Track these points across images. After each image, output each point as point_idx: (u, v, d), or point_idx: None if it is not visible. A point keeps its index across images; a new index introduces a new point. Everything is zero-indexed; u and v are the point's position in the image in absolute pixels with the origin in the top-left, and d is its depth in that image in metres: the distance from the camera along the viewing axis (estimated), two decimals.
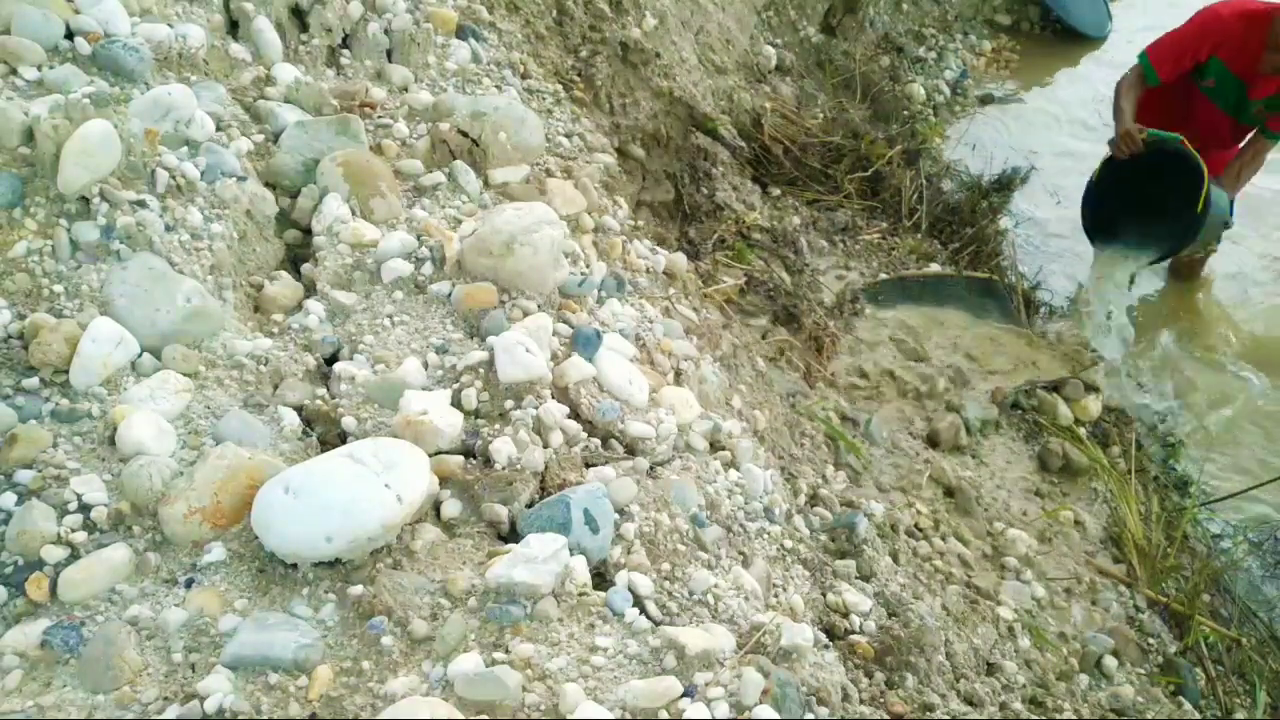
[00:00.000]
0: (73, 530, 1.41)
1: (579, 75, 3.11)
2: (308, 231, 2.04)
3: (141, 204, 1.73)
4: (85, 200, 1.68)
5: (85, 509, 1.43)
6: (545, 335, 1.84)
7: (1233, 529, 3.24)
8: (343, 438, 1.65)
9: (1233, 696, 2.63)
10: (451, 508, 1.58)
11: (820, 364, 3.24)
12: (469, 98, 2.42)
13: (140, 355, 1.63)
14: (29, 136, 1.67)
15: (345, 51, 2.49)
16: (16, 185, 1.65)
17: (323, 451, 1.59)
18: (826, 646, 1.75)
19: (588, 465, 1.71)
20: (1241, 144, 3.84)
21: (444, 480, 1.60)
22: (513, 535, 1.57)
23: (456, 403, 1.71)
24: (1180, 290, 4.40)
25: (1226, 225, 3.79)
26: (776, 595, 1.82)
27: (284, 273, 1.97)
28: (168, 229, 1.75)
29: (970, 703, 2.10)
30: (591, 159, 2.58)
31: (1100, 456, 3.22)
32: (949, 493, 2.87)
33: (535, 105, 2.60)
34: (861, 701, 1.86)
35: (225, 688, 1.26)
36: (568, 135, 2.58)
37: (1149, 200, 3.68)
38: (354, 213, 2.03)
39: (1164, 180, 3.59)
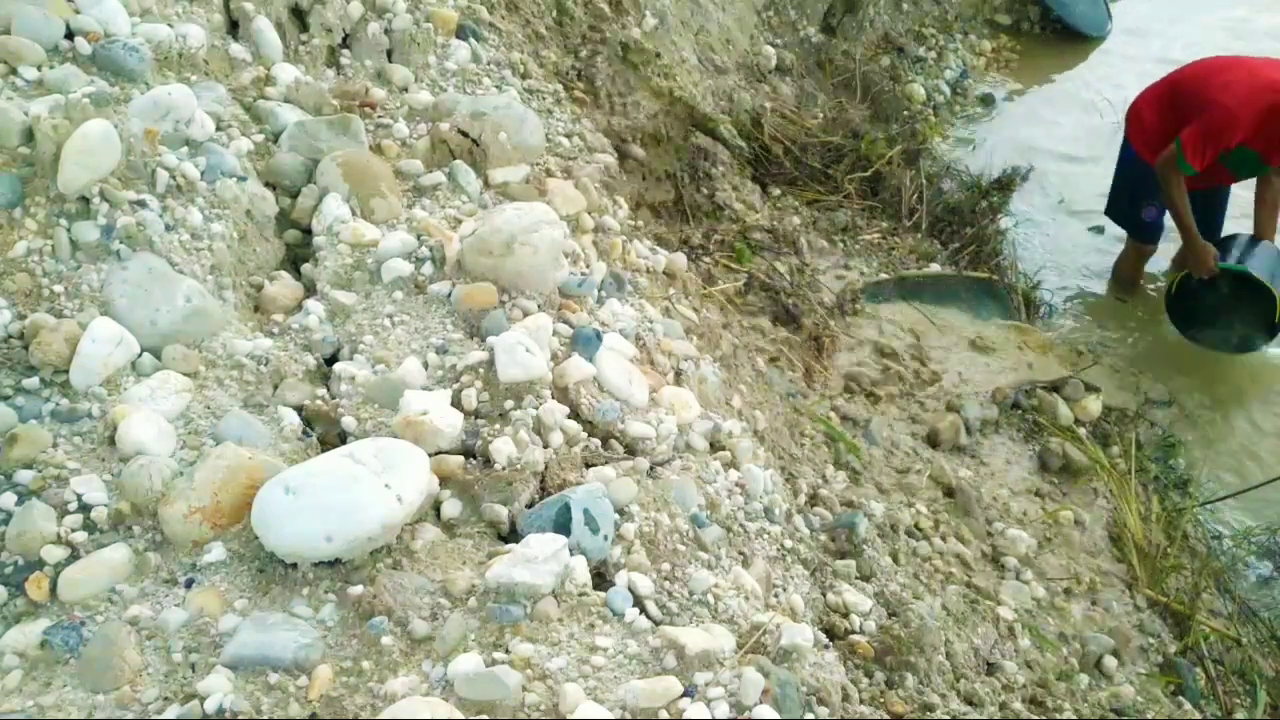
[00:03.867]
0: (73, 530, 1.41)
1: (579, 75, 3.12)
2: (308, 231, 2.04)
3: (141, 204, 1.73)
4: (85, 200, 1.68)
5: (85, 509, 1.43)
6: (545, 335, 1.84)
7: (1235, 529, 3.24)
8: (343, 438, 1.65)
9: (1233, 696, 2.63)
10: (451, 508, 1.57)
11: (820, 364, 3.24)
12: (469, 98, 2.42)
13: (140, 355, 1.63)
14: (29, 136, 1.67)
15: (345, 51, 2.49)
16: (16, 185, 1.65)
17: (323, 451, 1.59)
18: (826, 646, 1.75)
19: (588, 465, 1.71)
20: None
21: (444, 480, 1.60)
22: (513, 535, 1.57)
23: (456, 403, 1.71)
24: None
25: None
26: (776, 595, 1.82)
27: (284, 273, 1.97)
28: (168, 229, 1.75)
29: (970, 703, 2.10)
30: (591, 159, 2.58)
31: (1100, 456, 3.22)
32: (949, 493, 2.87)
33: (535, 105, 2.60)
34: (861, 701, 1.86)
35: (225, 688, 1.26)
36: (568, 135, 2.58)
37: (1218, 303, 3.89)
38: (354, 212, 2.03)
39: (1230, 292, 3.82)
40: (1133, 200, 4.10)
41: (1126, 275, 4.35)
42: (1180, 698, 2.53)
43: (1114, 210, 4.22)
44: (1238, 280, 3.78)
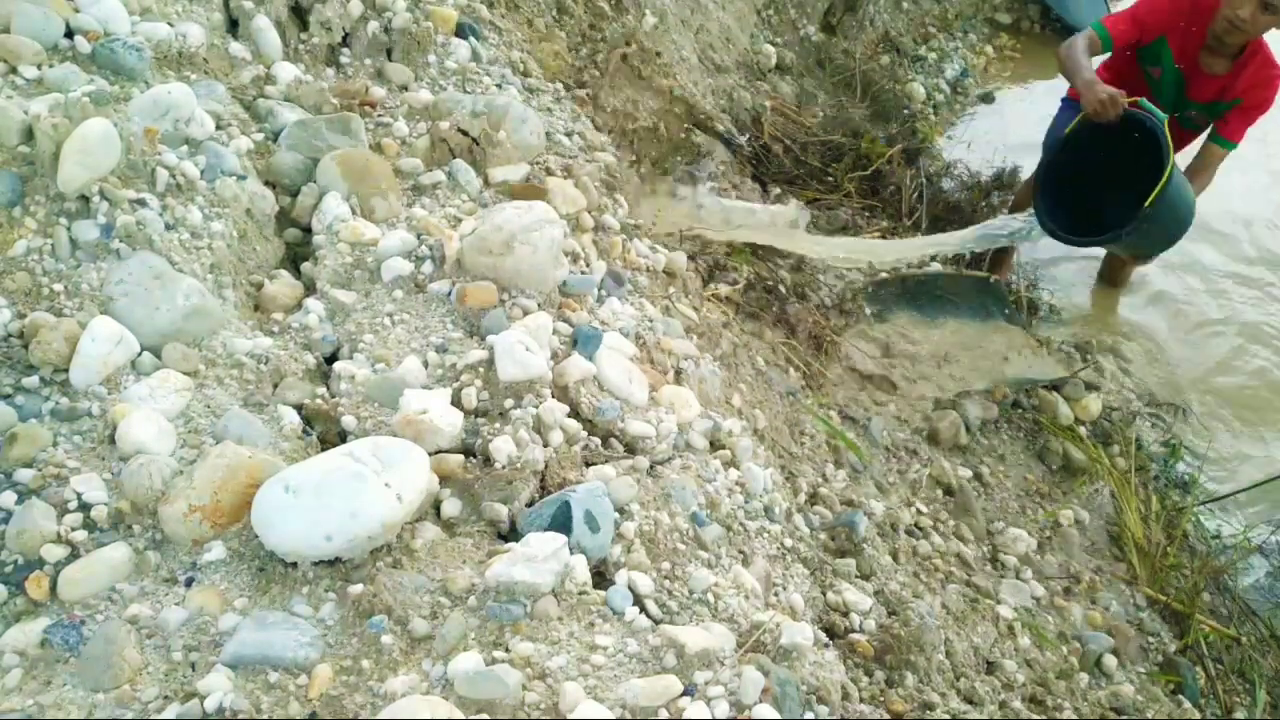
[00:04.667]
0: (73, 529, 1.41)
1: (579, 74, 3.11)
2: (308, 230, 2.04)
3: (141, 203, 1.73)
4: (85, 199, 1.68)
5: (85, 508, 1.43)
6: (545, 334, 1.84)
7: (1235, 529, 3.25)
8: (343, 436, 1.65)
9: (1232, 695, 2.64)
10: (451, 507, 1.58)
11: (820, 364, 3.24)
12: (469, 96, 2.42)
13: (140, 354, 1.63)
14: (29, 135, 1.67)
15: (345, 50, 2.49)
16: (16, 184, 1.65)
17: (323, 450, 1.59)
18: (826, 645, 1.75)
19: (588, 464, 1.71)
20: (1183, 148, 3.57)
21: (444, 479, 1.60)
22: (513, 534, 1.57)
23: (456, 401, 1.71)
24: (1107, 296, 4.37)
25: (1182, 227, 3.34)
26: (776, 594, 1.82)
27: (284, 271, 1.97)
28: (167, 228, 1.75)
29: (970, 701, 2.10)
30: (592, 158, 2.58)
31: (1100, 456, 3.22)
32: (949, 492, 2.87)
33: (535, 104, 2.60)
34: (861, 700, 1.86)
35: (225, 686, 1.26)
36: (568, 134, 2.58)
37: (1100, 170, 3.31)
38: (354, 211, 2.03)
39: (1122, 155, 3.19)
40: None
41: (1113, 272, 4.35)
42: (1180, 696, 2.53)
43: None
44: (1133, 132, 3.10)
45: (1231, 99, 3.43)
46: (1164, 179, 3.00)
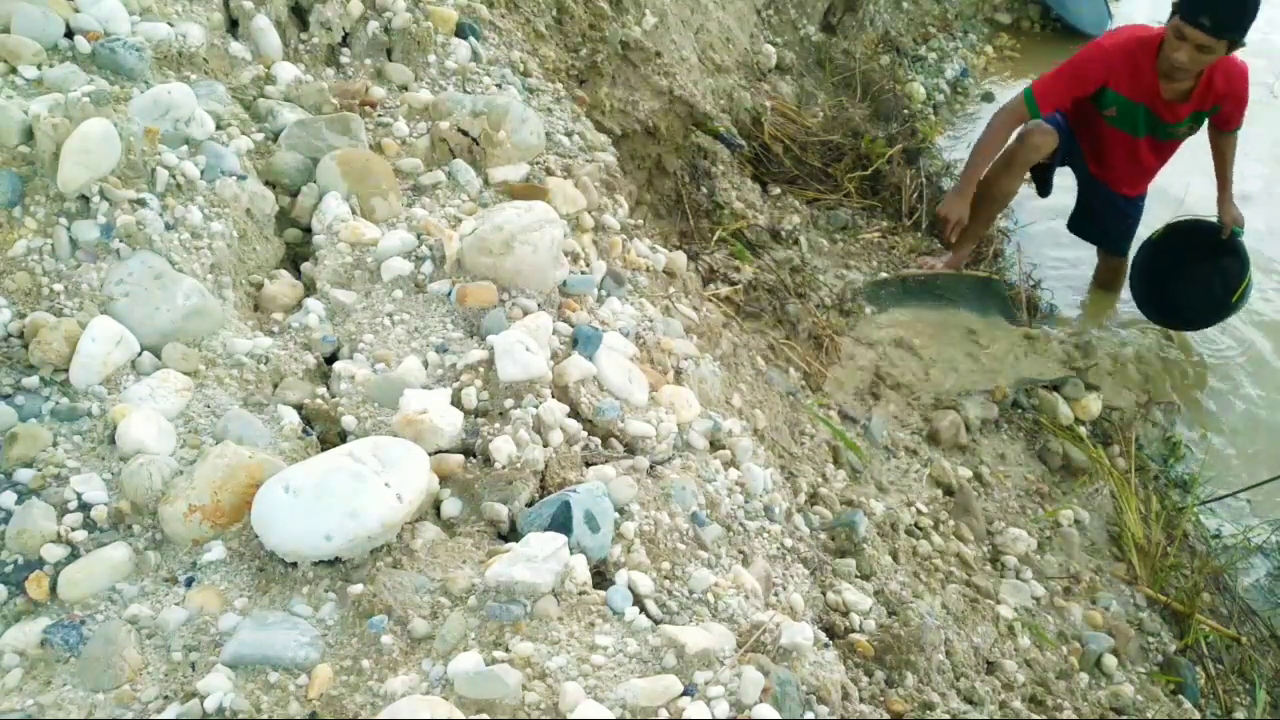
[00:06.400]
0: (73, 529, 1.41)
1: (579, 74, 3.11)
2: (308, 230, 2.04)
3: (141, 203, 1.73)
4: (85, 199, 1.68)
5: (85, 508, 1.43)
6: (545, 334, 1.84)
7: (1235, 528, 3.25)
8: (343, 436, 1.65)
9: (1233, 695, 2.64)
10: (451, 506, 1.58)
11: (820, 364, 3.24)
12: (469, 96, 2.42)
13: (140, 354, 1.63)
14: (28, 135, 1.67)
15: (345, 50, 2.49)
16: (16, 184, 1.65)
17: (323, 450, 1.59)
18: (826, 645, 1.75)
19: (588, 464, 1.71)
20: (1169, 157, 3.79)
21: (444, 479, 1.60)
22: (513, 534, 1.57)
23: (456, 401, 1.71)
24: (1101, 299, 4.39)
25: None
26: (776, 594, 1.82)
27: (284, 271, 1.97)
28: (167, 228, 1.75)
29: (970, 701, 2.10)
30: (592, 157, 2.58)
31: (1100, 456, 3.22)
32: (949, 492, 2.87)
33: (535, 104, 2.60)
34: (861, 700, 1.86)
35: (225, 686, 1.26)
36: (568, 134, 2.58)
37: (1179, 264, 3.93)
38: (354, 211, 2.03)
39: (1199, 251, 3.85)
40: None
41: (1107, 278, 4.35)
42: (1180, 696, 2.53)
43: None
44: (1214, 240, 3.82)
45: (1212, 105, 3.52)
46: (1246, 280, 3.76)
